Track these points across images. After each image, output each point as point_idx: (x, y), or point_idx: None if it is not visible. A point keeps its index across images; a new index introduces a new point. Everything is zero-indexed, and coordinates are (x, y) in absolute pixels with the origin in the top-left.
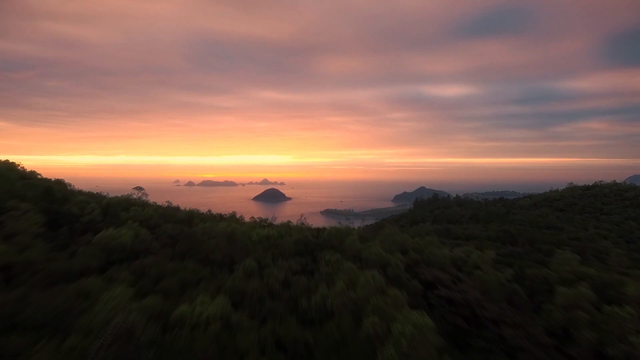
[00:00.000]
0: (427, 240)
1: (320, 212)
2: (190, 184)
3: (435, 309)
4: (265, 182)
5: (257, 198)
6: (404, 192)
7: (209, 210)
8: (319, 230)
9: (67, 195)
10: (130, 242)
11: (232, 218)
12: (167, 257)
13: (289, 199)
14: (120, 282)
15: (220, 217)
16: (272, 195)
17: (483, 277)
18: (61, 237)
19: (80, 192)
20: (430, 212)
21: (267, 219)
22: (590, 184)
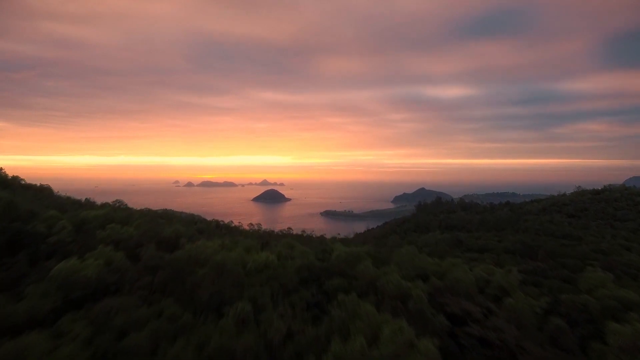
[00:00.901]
0: (449, 262)
1: (320, 213)
2: (189, 184)
3: (467, 352)
4: (264, 182)
5: (257, 199)
6: (404, 193)
7: (200, 219)
8: (325, 250)
9: (36, 209)
10: (96, 275)
11: (227, 229)
12: (142, 294)
13: (289, 199)
14: (72, 339)
15: (216, 225)
16: (271, 196)
17: (515, 306)
18: (18, 264)
19: (58, 203)
20: (434, 217)
21: (266, 233)
22: (599, 188)
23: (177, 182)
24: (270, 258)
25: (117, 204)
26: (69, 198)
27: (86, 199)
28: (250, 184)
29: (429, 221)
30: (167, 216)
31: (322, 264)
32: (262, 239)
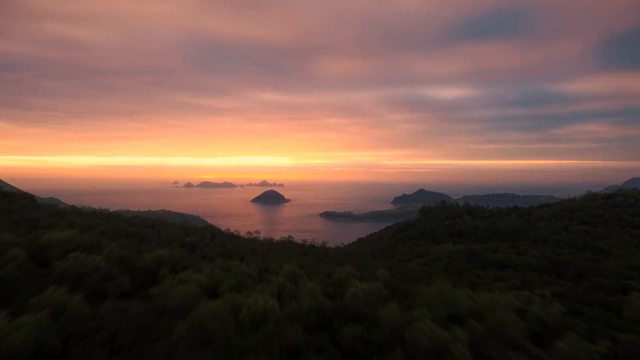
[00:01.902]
0: (487, 297)
1: (320, 214)
2: (189, 185)
3: None
4: (264, 183)
5: (256, 200)
6: (404, 194)
7: (194, 228)
8: (336, 283)
9: None
10: (32, 339)
11: (222, 239)
12: None
13: (288, 200)
14: None
15: (211, 237)
16: (271, 197)
17: (570, 355)
18: None
19: (28, 218)
20: (440, 222)
21: (266, 243)
22: (611, 192)
23: (176, 182)
24: (269, 304)
25: (95, 221)
26: (52, 207)
27: (72, 206)
28: (250, 184)
29: (435, 227)
30: (159, 224)
31: (334, 305)
32: (260, 259)
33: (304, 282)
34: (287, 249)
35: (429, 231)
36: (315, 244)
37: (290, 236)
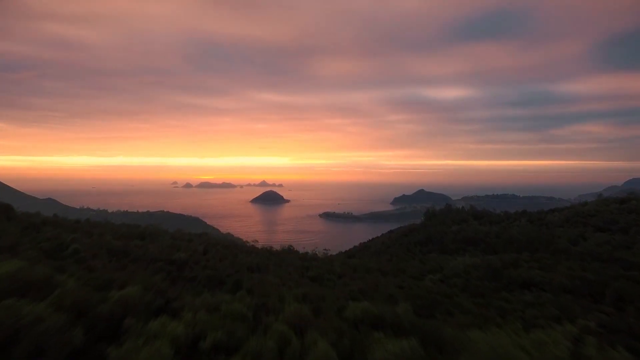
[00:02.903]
0: (537, 338)
1: (319, 214)
2: (188, 185)
3: None
4: (263, 183)
5: (256, 200)
6: (403, 195)
7: (188, 238)
8: (355, 340)
9: None
10: None
11: (216, 251)
12: None
13: (288, 201)
14: None
15: (204, 250)
16: (270, 198)
17: None
18: None
19: None
20: (446, 227)
21: (264, 255)
22: (623, 196)
23: (175, 182)
24: None
25: (72, 235)
26: (32, 216)
27: (55, 215)
28: (249, 184)
29: (441, 233)
30: (149, 234)
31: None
32: (257, 284)
33: (312, 334)
34: (288, 262)
35: (435, 237)
36: (317, 252)
37: (290, 246)
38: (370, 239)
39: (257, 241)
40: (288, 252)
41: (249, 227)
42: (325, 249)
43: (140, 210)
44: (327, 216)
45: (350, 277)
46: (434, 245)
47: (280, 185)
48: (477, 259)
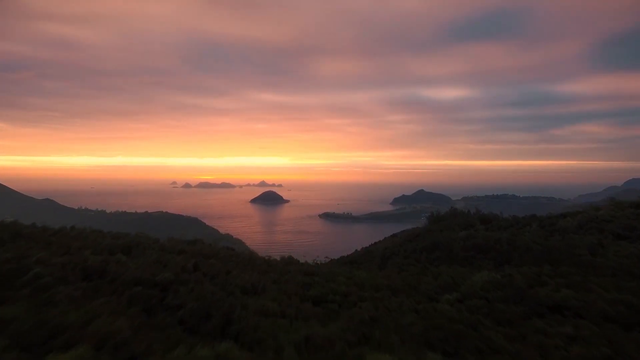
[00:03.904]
0: None
1: (319, 215)
2: (187, 185)
3: None
4: (263, 184)
5: (255, 200)
6: (403, 195)
7: (180, 249)
8: None
9: None
10: None
11: (208, 264)
12: None
13: (287, 201)
14: None
15: (194, 266)
16: (270, 198)
17: None
18: None
19: None
20: (453, 233)
21: (262, 268)
22: (638, 200)
23: (174, 183)
24: None
25: (44, 252)
26: (7, 226)
27: (33, 224)
28: (249, 185)
29: (449, 239)
30: (137, 245)
31: None
32: (250, 319)
33: None
34: (288, 278)
35: (443, 244)
36: (318, 260)
37: (290, 256)
38: (373, 242)
39: (256, 252)
40: (288, 263)
41: (249, 228)
42: (326, 257)
43: (138, 211)
44: (327, 216)
45: (358, 297)
46: (441, 252)
47: (280, 186)
48: (496, 275)
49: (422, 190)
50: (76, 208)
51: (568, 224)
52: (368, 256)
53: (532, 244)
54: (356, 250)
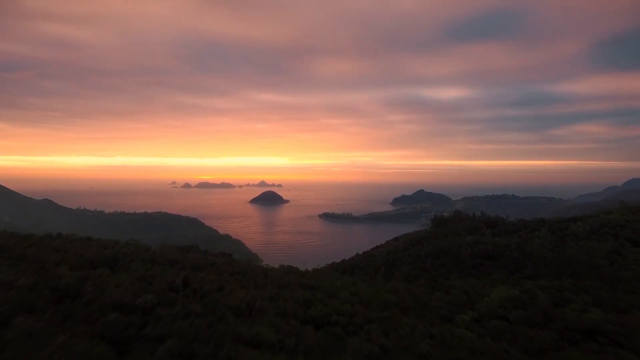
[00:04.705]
0: None
1: (319, 215)
2: (187, 185)
3: None
4: (262, 184)
5: (255, 201)
6: (403, 195)
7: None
8: None
9: None
10: None
11: (198, 282)
12: None
13: (287, 201)
14: None
15: (183, 283)
16: (269, 198)
17: None
18: None
19: None
20: (459, 237)
21: (260, 278)
22: None
23: (174, 183)
24: None
25: (15, 270)
26: None
27: (12, 234)
28: (248, 184)
29: (455, 245)
30: (122, 257)
31: None
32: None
33: None
34: (286, 294)
35: (449, 251)
36: (319, 266)
37: (290, 266)
38: (375, 246)
39: (249, 259)
40: (287, 273)
41: (248, 228)
42: (327, 264)
43: (138, 212)
44: (327, 217)
45: (364, 318)
46: (447, 259)
47: (280, 186)
48: (515, 290)
49: (422, 190)
50: (75, 208)
51: (579, 229)
52: (370, 261)
53: (545, 251)
54: (357, 253)
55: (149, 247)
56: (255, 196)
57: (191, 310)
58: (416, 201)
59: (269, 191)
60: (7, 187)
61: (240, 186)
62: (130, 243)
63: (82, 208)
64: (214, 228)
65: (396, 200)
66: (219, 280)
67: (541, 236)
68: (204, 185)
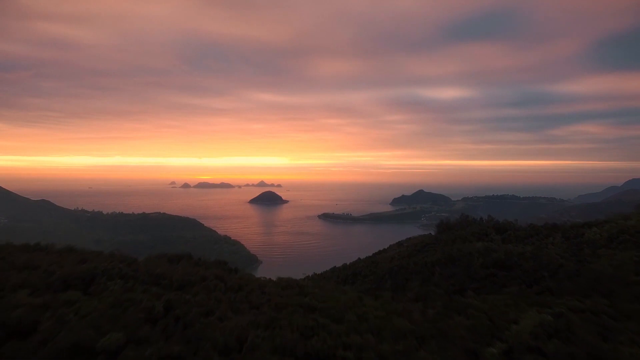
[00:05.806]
0: None
1: (318, 216)
2: (186, 185)
3: None
4: (262, 184)
5: (254, 201)
6: (402, 195)
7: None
8: None
9: None
10: None
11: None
12: None
13: (286, 201)
14: None
15: (164, 303)
16: (268, 198)
17: None
18: None
19: None
20: (467, 244)
21: (258, 300)
22: None
23: (173, 183)
24: None
25: None
26: None
27: (7, 242)
28: (247, 185)
29: (465, 254)
30: (102, 272)
31: None
32: None
33: None
34: (283, 321)
35: (459, 259)
36: (319, 272)
37: (288, 278)
38: (377, 251)
39: (252, 274)
40: (285, 287)
41: (248, 228)
42: (327, 270)
43: (136, 212)
44: (326, 217)
45: (375, 353)
46: (457, 268)
47: (279, 186)
48: (546, 315)
49: (422, 190)
50: (73, 209)
51: (596, 236)
52: (373, 268)
53: (563, 261)
54: (359, 258)
55: (133, 259)
56: (254, 196)
57: (167, 353)
58: (416, 201)
59: (269, 191)
60: (5, 187)
61: (240, 186)
62: (114, 253)
63: (80, 209)
64: (213, 229)
65: (396, 201)
66: (208, 300)
67: (556, 243)
68: (203, 185)
